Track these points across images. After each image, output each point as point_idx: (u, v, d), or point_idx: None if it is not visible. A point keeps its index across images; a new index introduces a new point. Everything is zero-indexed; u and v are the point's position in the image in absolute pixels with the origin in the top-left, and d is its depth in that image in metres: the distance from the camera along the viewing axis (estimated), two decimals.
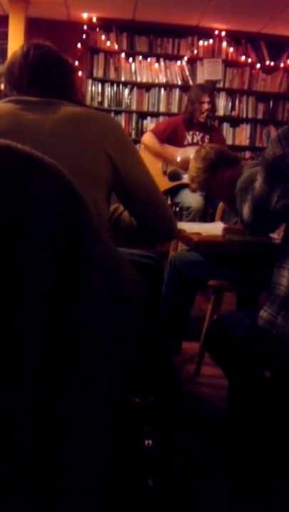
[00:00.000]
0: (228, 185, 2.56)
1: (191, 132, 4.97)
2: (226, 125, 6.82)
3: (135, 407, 1.98)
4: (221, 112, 6.69)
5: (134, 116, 6.74)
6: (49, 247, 1.02)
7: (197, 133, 4.97)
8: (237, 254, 2.11)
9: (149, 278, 1.54)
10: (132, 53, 6.65)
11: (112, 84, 6.71)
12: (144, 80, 6.70)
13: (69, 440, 1.12)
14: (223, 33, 6.65)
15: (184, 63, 6.66)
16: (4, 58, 6.23)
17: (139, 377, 1.90)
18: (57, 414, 1.09)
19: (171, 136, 4.94)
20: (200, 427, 2.32)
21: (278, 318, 1.58)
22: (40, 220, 1.00)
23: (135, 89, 6.72)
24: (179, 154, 4.88)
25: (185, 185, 4.45)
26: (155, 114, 6.75)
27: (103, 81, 6.69)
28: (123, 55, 6.62)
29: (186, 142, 4.96)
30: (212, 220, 4.14)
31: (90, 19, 6.51)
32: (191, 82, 6.58)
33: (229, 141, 6.68)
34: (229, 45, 6.72)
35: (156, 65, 6.67)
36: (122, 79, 6.68)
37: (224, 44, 6.70)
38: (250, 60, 6.75)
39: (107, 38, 6.60)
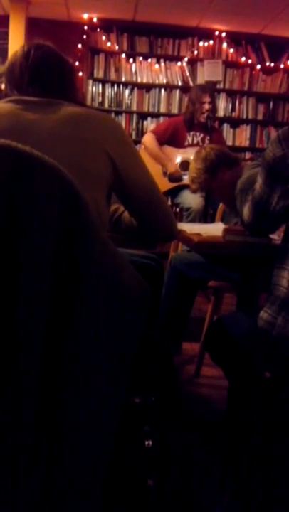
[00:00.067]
0: (228, 186, 2.56)
1: (191, 133, 4.97)
2: (226, 126, 6.83)
3: (135, 408, 1.98)
4: (221, 113, 6.69)
5: (135, 116, 6.75)
6: (49, 247, 1.02)
7: (198, 134, 4.98)
8: (237, 255, 2.12)
9: (149, 278, 1.54)
10: (132, 54, 6.65)
11: (112, 85, 6.72)
12: (145, 81, 6.70)
13: (69, 440, 1.12)
14: (224, 34, 6.66)
15: (184, 64, 6.67)
16: (5, 58, 6.24)
17: (139, 377, 1.90)
18: (57, 414, 1.09)
19: (171, 137, 4.94)
20: (200, 427, 2.32)
21: (278, 319, 1.58)
22: (40, 220, 1.00)
23: (135, 89, 6.73)
24: (180, 155, 4.88)
25: (185, 186, 4.45)
26: (155, 115, 6.76)
27: (104, 81, 6.70)
28: (123, 55, 6.62)
29: (186, 143, 4.96)
30: (212, 220, 4.14)
31: (91, 19, 6.52)
32: (191, 83, 6.58)
33: (229, 142, 6.69)
34: (229, 46, 6.72)
35: (157, 65, 6.68)
36: (123, 79, 6.68)
37: (224, 45, 6.70)
38: (250, 61, 6.75)
39: (108, 39, 6.60)
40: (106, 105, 6.72)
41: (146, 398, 2.01)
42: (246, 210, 1.87)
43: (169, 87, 6.73)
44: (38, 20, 6.33)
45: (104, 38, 6.60)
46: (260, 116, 6.89)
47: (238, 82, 6.82)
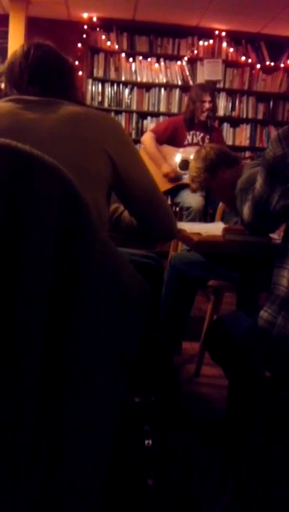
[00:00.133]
0: (228, 185, 2.56)
1: (191, 132, 4.97)
2: (226, 125, 6.83)
3: (135, 407, 1.98)
4: (221, 113, 6.69)
5: (135, 116, 6.74)
6: (49, 247, 1.02)
7: (198, 133, 4.97)
8: (237, 255, 2.11)
9: (149, 278, 1.54)
10: (132, 53, 6.65)
11: (112, 84, 6.72)
12: (145, 80, 6.70)
13: (69, 440, 1.11)
14: (224, 34, 6.66)
15: (184, 63, 6.66)
16: (4, 57, 6.23)
17: (139, 377, 1.90)
18: (57, 414, 1.09)
19: (171, 137, 4.94)
20: (200, 426, 2.32)
21: (278, 318, 1.58)
22: (40, 220, 1.00)
23: (135, 89, 6.73)
24: (179, 154, 4.88)
25: (185, 186, 4.45)
26: (155, 114, 6.75)
27: (103, 81, 6.70)
28: (123, 54, 6.62)
29: (186, 142, 4.96)
30: (212, 220, 4.14)
31: (91, 19, 6.51)
32: (191, 83, 6.58)
33: (229, 142, 6.69)
34: (229, 45, 6.72)
35: (157, 65, 6.68)
36: (123, 79, 6.68)
37: (224, 44, 6.70)
38: (250, 61, 6.75)
39: (108, 38, 6.60)
40: (106, 104, 6.72)
41: (146, 398, 2.01)
42: (246, 210, 1.87)
43: (168, 87, 6.73)
44: (38, 19, 6.33)
45: (104, 37, 6.59)
46: (260, 116, 6.88)
47: (238, 82, 6.82)
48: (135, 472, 1.85)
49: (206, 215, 4.43)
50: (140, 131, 6.57)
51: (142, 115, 6.78)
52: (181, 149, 4.90)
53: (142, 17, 6.44)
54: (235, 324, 1.86)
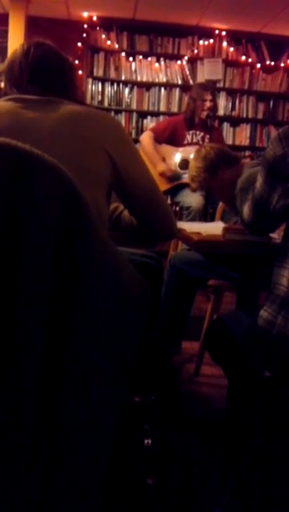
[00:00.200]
0: (228, 185, 2.56)
1: (191, 132, 4.97)
2: (226, 125, 6.83)
3: (135, 407, 1.98)
4: (221, 112, 6.68)
5: (134, 115, 6.75)
6: (49, 246, 1.02)
7: (197, 132, 4.97)
8: (237, 254, 2.11)
9: (149, 277, 1.54)
10: (132, 52, 6.65)
11: (112, 84, 6.72)
12: (145, 79, 6.70)
13: (69, 440, 1.11)
14: (224, 33, 6.66)
15: (184, 63, 6.67)
16: (4, 57, 6.23)
17: (139, 376, 1.90)
18: (57, 414, 1.09)
19: (170, 136, 4.94)
20: (200, 426, 2.32)
21: (278, 318, 1.58)
22: (40, 220, 1.00)
23: (135, 88, 6.73)
24: (179, 154, 4.87)
25: (185, 185, 4.45)
26: (155, 114, 6.75)
27: (103, 80, 6.70)
28: (123, 54, 6.62)
29: (185, 142, 4.96)
30: (212, 219, 4.13)
31: (91, 18, 6.51)
32: (191, 82, 6.58)
33: (229, 141, 6.69)
34: (229, 44, 6.72)
35: (157, 64, 6.68)
36: (122, 78, 6.68)
37: (224, 44, 6.70)
38: (250, 60, 6.75)
39: (108, 37, 6.60)
40: (106, 104, 6.72)
41: (146, 397, 2.01)
42: (246, 209, 1.87)
43: (168, 86, 6.73)
44: (38, 18, 6.32)
45: (104, 36, 6.59)
46: (260, 115, 6.89)
47: (238, 81, 6.82)
48: (135, 472, 1.85)
49: (206, 215, 4.43)
50: (140, 131, 6.57)
51: (142, 114, 6.78)
52: (181, 149, 4.90)
53: (142, 16, 6.44)
54: (235, 324, 1.86)
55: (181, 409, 2.45)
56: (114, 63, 6.67)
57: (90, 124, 1.63)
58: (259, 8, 5.82)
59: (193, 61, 6.70)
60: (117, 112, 6.74)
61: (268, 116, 6.88)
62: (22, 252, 0.99)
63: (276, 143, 1.65)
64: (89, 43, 6.61)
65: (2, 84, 1.75)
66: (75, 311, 1.07)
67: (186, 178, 4.36)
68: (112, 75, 6.69)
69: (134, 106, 6.75)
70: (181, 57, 6.67)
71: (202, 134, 4.97)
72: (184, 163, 4.69)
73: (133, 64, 6.66)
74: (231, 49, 6.73)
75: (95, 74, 6.69)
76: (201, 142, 4.90)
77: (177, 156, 4.86)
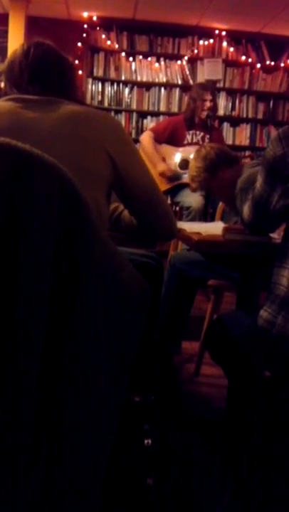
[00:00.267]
0: (228, 185, 2.56)
1: (191, 132, 4.97)
2: (226, 125, 6.83)
3: (135, 406, 1.98)
4: (221, 112, 6.68)
5: (135, 115, 6.75)
6: (49, 246, 1.02)
7: (197, 132, 4.97)
8: (237, 254, 2.11)
9: (149, 277, 1.54)
10: (132, 52, 6.65)
11: (112, 84, 6.72)
12: (145, 79, 6.70)
13: (69, 440, 1.11)
14: (224, 33, 6.66)
15: (184, 63, 6.67)
16: (4, 56, 6.23)
17: (139, 376, 1.90)
18: (57, 414, 1.09)
19: (170, 136, 4.94)
20: (200, 426, 2.32)
21: (278, 318, 1.58)
22: (40, 220, 1.00)
23: (135, 88, 6.73)
24: (179, 154, 4.87)
25: (185, 185, 4.45)
26: (155, 114, 6.75)
27: (103, 80, 6.70)
28: (123, 54, 6.62)
29: (185, 142, 4.95)
30: (212, 219, 4.13)
31: (91, 18, 6.51)
32: (191, 82, 6.59)
33: (229, 141, 6.69)
34: (229, 44, 6.72)
35: (157, 64, 6.68)
36: (122, 78, 6.68)
37: (224, 44, 6.70)
38: (250, 60, 6.75)
39: (108, 37, 6.60)
40: (106, 104, 6.72)
41: (146, 397, 2.01)
42: (246, 209, 1.87)
43: (168, 86, 6.73)
44: (38, 18, 6.33)
45: (104, 36, 6.59)
46: (260, 115, 6.89)
47: (238, 81, 6.82)
48: (135, 472, 1.85)
49: (206, 215, 4.43)
50: (140, 131, 6.57)
51: (142, 114, 6.78)
52: (181, 148, 4.90)
53: (142, 16, 6.44)
54: (235, 324, 1.86)
55: (181, 409, 2.45)
56: (114, 63, 6.67)
57: (90, 124, 1.63)
58: (259, 8, 5.82)
59: (193, 61, 6.70)
60: (117, 112, 6.73)
61: (268, 116, 6.88)
62: (22, 252, 0.99)
63: (276, 143, 1.64)
64: (89, 43, 6.61)
65: (2, 84, 1.75)
66: (75, 311, 1.07)
67: (186, 178, 4.36)
68: (112, 75, 6.69)
69: (134, 106, 6.75)
70: (181, 57, 6.67)
71: (202, 134, 4.97)
72: (184, 163, 4.69)
73: (133, 64, 6.67)
74: (231, 49, 6.73)
75: (95, 74, 6.69)
76: (201, 142, 4.90)
77: (177, 156, 4.86)
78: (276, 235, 2.00)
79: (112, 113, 6.61)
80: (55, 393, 1.08)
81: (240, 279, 2.49)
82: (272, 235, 2.00)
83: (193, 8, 6.03)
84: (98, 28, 6.59)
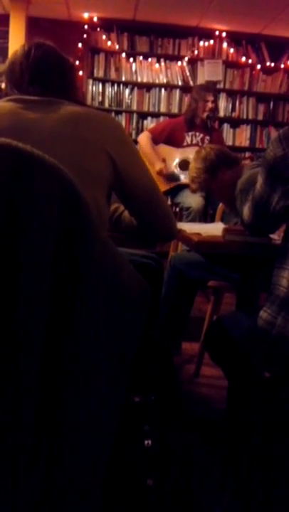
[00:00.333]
0: (228, 186, 2.56)
1: (190, 133, 4.97)
2: (226, 126, 6.83)
3: (135, 407, 1.98)
4: (221, 113, 6.68)
5: (135, 116, 6.75)
6: (49, 246, 1.02)
7: (197, 134, 4.97)
8: (237, 255, 2.11)
9: (149, 278, 1.54)
10: (132, 53, 6.65)
11: (112, 84, 6.72)
12: (145, 80, 6.70)
13: (69, 440, 1.11)
14: (224, 34, 6.66)
15: (184, 64, 6.66)
16: (5, 57, 6.23)
17: (139, 376, 1.90)
18: (57, 414, 1.09)
19: (168, 137, 4.94)
20: (200, 426, 2.32)
21: (278, 318, 1.58)
22: (40, 220, 1.00)
23: (136, 89, 6.73)
24: (179, 154, 4.88)
25: (185, 186, 4.45)
26: (155, 115, 6.75)
27: (104, 81, 6.70)
28: (124, 55, 6.62)
29: (185, 143, 4.96)
30: (212, 220, 4.14)
31: (91, 19, 6.51)
32: (191, 83, 6.59)
33: (229, 142, 6.69)
34: (230, 45, 6.72)
35: (157, 65, 6.68)
36: (123, 79, 6.68)
37: (225, 45, 6.70)
38: (250, 61, 6.75)
39: (108, 38, 6.60)
40: (106, 105, 6.72)
41: (146, 397, 2.01)
42: (246, 210, 1.87)
43: (169, 87, 6.73)
44: (39, 19, 6.33)
45: (104, 37, 6.59)
46: (260, 117, 6.88)
47: (238, 82, 6.82)
48: (135, 472, 1.85)
49: (206, 216, 4.43)
50: (140, 132, 6.55)
51: (143, 115, 6.78)
52: (181, 149, 4.90)
53: (142, 17, 6.44)
54: (235, 325, 1.86)
55: (181, 410, 2.45)
56: (115, 64, 6.67)
57: (91, 125, 1.63)
58: (259, 9, 5.83)
59: (193, 62, 6.70)
60: (118, 112, 6.73)
61: (268, 117, 6.88)
62: (22, 252, 0.99)
63: (276, 144, 1.65)
64: (89, 44, 6.61)
65: (3, 85, 1.75)
66: (75, 311, 1.07)
67: (185, 178, 4.36)
68: (113, 75, 6.69)
69: (134, 107, 6.75)
70: (181, 58, 6.67)
71: (202, 135, 4.97)
72: (184, 164, 4.69)
73: (133, 65, 6.66)
74: (231, 50, 6.73)
75: (95, 75, 6.69)
76: (200, 144, 4.90)
77: (177, 157, 4.86)
78: (276, 236, 2.00)
79: (113, 114, 6.61)
80: (55, 393, 1.08)
81: (240, 280, 2.50)
82: (272, 236, 2.00)
83: (193, 9, 6.04)
84: (99, 29, 6.59)
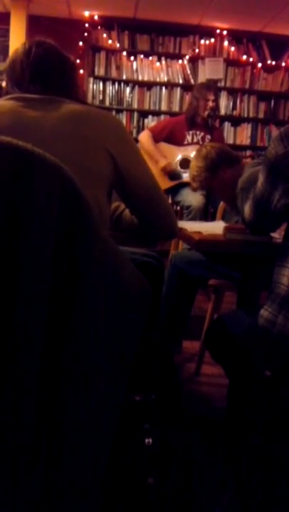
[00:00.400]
0: (229, 184, 2.56)
1: (191, 132, 4.96)
2: (227, 124, 6.82)
3: (135, 406, 1.98)
4: (222, 111, 6.67)
5: (136, 114, 6.74)
6: (49, 246, 1.01)
7: (198, 132, 4.97)
8: (238, 254, 2.11)
9: (149, 277, 1.54)
10: (133, 52, 6.65)
11: (113, 83, 6.72)
12: (146, 79, 6.70)
13: (69, 440, 1.11)
14: (225, 32, 6.65)
15: (185, 62, 6.66)
16: (6, 56, 6.23)
17: (140, 375, 1.90)
18: (57, 414, 1.09)
19: (169, 136, 4.93)
20: (200, 425, 2.32)
21: (279, 317, 1.57)
22: (40, 219, 1.00)
23: (136, 87, 6.72)
24: (179, 153, 4.87)
25: (186, 184, 4.45)
26: (156, 113, 6.75)
27: (104, 79, 6.70)
28: (124, 53, 6.62)
29: (186, 142, 4.95)
30: (213, 219, 4.14)
31: (92, 17, 6.51)
32: (192, 81, 6.59)
33: (230, 141, 6.69)
34: (230, 44, 6.72)
35: (158, 63, 6.67)
36: (124, 77, 6.68)
37: (226, 43, 6.69)
38: (251, 59, 6.75)
39: (109, 36, 6.59)
40: (107, 103, 6.72)
41: (146, 396, 2.01)
42: (247, 209, 1.87)
43: (170, 85, 6.73)
44: (39, 17, 6.32)
45: (105, 35, 6.59)
46: (261, 115, 6.88)
47: (239, 81, 6.81)
48: (135, 471, 1.85)
49: (206, 214, 4.43)
50: (141, 130, 6.55)
51: (143, 114, 6.78)
52: (182, 148, 4.90)
53: (143, 15, 6.43)
54: (235, 323, 1.85)
55: (182, 409, 2.45)
56: (116, 62, 6.67)
57: (91, 123, 1.63)
58: (260, 7, 5.82)
59: (194, 60, 6.69)
60: (118, 111, 6.73)
61: (269, 115, 6.88)
62: (22, 252, 0.99)
63: (278, 142, 1.64)
64: (90, 42, 6.61)
65: (4, 83, 1.75)
66: (75, 311, 1.07)
67: (186, 177, 4.36)
68: (114, 74, 6.69)
69: (135, 105, 6.75)
70: (182, 57, 6.67)
71: (202, 134, 4.97)
72: (185, 162, 4.69)
73: (134, 63, 6.66)
74: (232, 48, 6.73)
75: (96, 73, 6.69)
76: (201, 142, 4.89)
77: (178, 155, 4.86)
78: (277, 235, 2.00)
79: (113, 112, 6.61)
80: (55, 393, 1.08)
81: (240, 278, 2.49)
82: (273, 234, 2.00)
83: (194, 8, 6.03)
84: (99, 27, 6.59)
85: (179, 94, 6.72)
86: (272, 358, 1.65)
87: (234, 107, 6.82)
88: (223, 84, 6.70)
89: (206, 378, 2.96)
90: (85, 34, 6.56)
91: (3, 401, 1.01)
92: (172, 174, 4.79)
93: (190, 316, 3.33)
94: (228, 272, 2.86)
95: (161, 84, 6.72)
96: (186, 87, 6.64)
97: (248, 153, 6.62)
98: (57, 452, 1.09)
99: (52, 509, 1.11)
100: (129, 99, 6.74)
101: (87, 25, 6.53)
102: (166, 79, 6.71)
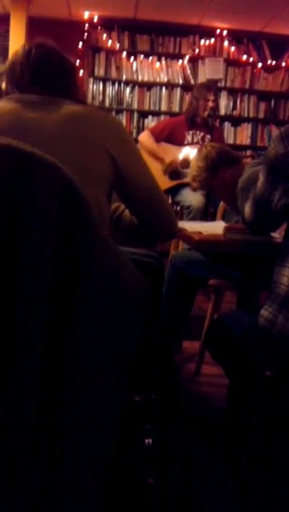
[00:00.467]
0: (229, 184, 2.56)
1: (191, 132, 4.97)
2: (227, 124, 6.82)
3: (136, 406, 1.98)
4: (222, 111, 6.68)
5: (136, 115, 6.75)
6: (49, 246, 1.02)
7: (198, 132, 4.97)
8: (238, 254, 2.11)
9: (149, 277, 1.54)
10: (133, 52, 6.65)
11: (113, 83, 6.72)
12: (146, 79, 6.70)
13: (69, 440, 1.11)
14: (225, 32, 6.65)
15: (185, 62, 6.66)
16: (5, 57, 6.23)
17: (140, 375, 1.90)
18: (57, 414, 1.09)
19: (169, 136, 4.93)
20: (200, 425, 2.32)
21: (279, 317, 1.57)
22: (40, 219, 1.00)
23: (136, 88, 6.72)
24: (179, 153, 4.87)
25: (186, 184, 4.44)
26: (156, 113, 6.75)
27: (104, 80, 6.70)
28: (124, 53, 6.62)
29: (186, 142, 4.95)
30: (213, 219, 4.14)
31: (92, 18, 6.51)
32: (192, 81, 6.58)
33: (230, 141, 6.69)
34: (231, 44, 6.71)
35: (158, 63, 6.67)
36: (124, 78, 6.68)
37: (226, 43, 6.69)
38: (251, 59, 6.75)
39: (109, 37, 6.59)
40: (107, 103, 6.72)
41: (146, 396, 2.01)
42: (247, 208, 1.87)
43: (170, 85, 6.73)
44: (39, 19, 6.32)
45: (105, 36, 6.59)
46: (261, 115, 6.88)
47: (239, 80, 6.81)
48: (135, 471, 1.85)
49: (206, 214, 4.43)
50: (141, 130, 6.55)
51: (143, 114, 6.78)
52: (182, 147, 4.90)
53: (143, 16, 6.43)
54: (235, 323, 1.85)
55: (182, 409, 2.45)
56: (116, 63, 6.67)
57: (91, 124, 1.63)
58: (260, 7, 5.82)
59: (194, 60, 6.69)
60: (118, 111, 6.73)
61: (269, 115, 6.87)
62: (22, 252, 0.99)
63: (278, 142, 1.64)
64: (90, 43, 6.61)
65: (3, 85, 1.75)
66: (75, 311, 1.07)
67: (187, 177, 4.36)
68: (113, 74, 6.69)
69: (135, 105, 6.75)
70: (182, 57, 6.67)
71: (202, 134, 4.97)
72: (185, 162, 4.69)
73: (134, 63, 6.66)
74: (232, 48, 6.73)
75: (96, 74, 6.69)
76: (201, 142, 4.90)
77: (178, 155, 4.86)
78: (277, 235, 2.00)
79: (113, 113, 6.61)
80: (55, 393, 1.08)
81: (241, 278, 2.49)
82: (273, 234, 2.00)
83: (194, 8, 6.03)
84: (99, 28, 6.59)
85: (179, 94, 6.72)
86: (272, 358, 1.65)
87: (234, 107, 6.82)
88: (223, 84, 6.70)
89: (206, 378, 2.96)
90: (85, 35, 6.56)
91: (3, 401, 1.02)
92: (176, 172, 4.79)
93: (190, 316, 3.33)
94: (228, 272, 2.86)
95: (161, 84, 6.72)
96: (186, 87, 6.64)
97: (248, 153, 6.61)
98: (57, 452, 1.09)
99: (52, 509, 1.11)
100: (129, 100, 6.74)
101: (87, 25, 6.53)
102: (166, 79, 6.71)
